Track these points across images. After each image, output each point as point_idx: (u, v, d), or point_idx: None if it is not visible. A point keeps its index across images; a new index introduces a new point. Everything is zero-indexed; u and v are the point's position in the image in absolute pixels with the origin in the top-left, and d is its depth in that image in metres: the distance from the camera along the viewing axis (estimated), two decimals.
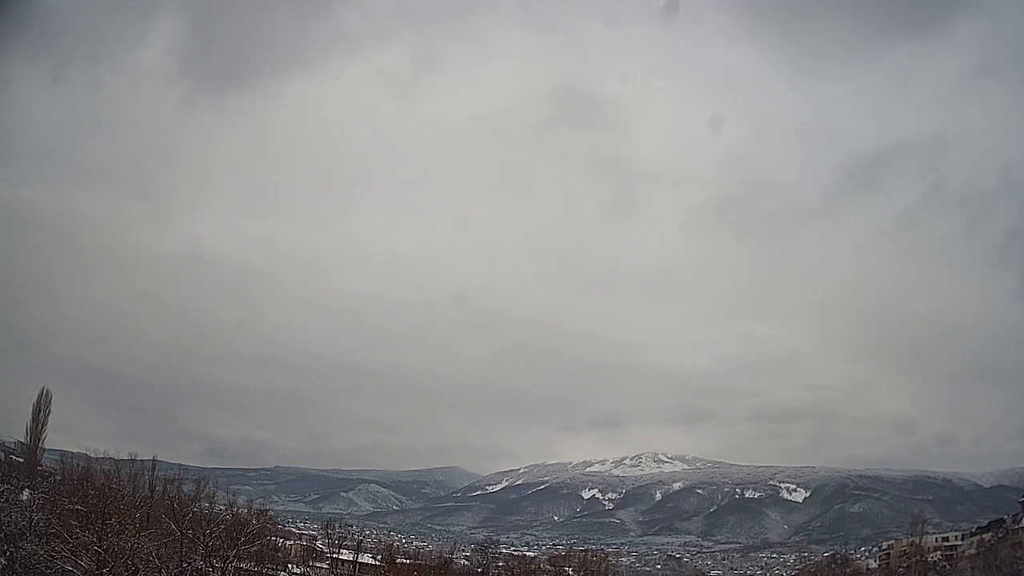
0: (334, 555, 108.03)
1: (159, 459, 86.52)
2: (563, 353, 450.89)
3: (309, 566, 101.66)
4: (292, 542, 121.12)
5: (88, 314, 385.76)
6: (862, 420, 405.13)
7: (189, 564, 55.96)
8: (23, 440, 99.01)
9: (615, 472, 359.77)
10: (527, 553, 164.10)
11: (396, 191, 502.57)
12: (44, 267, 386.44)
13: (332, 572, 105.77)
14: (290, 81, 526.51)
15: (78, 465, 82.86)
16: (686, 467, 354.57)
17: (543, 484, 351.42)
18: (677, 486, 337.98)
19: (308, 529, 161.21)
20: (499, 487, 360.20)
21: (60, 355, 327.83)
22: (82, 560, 48.40)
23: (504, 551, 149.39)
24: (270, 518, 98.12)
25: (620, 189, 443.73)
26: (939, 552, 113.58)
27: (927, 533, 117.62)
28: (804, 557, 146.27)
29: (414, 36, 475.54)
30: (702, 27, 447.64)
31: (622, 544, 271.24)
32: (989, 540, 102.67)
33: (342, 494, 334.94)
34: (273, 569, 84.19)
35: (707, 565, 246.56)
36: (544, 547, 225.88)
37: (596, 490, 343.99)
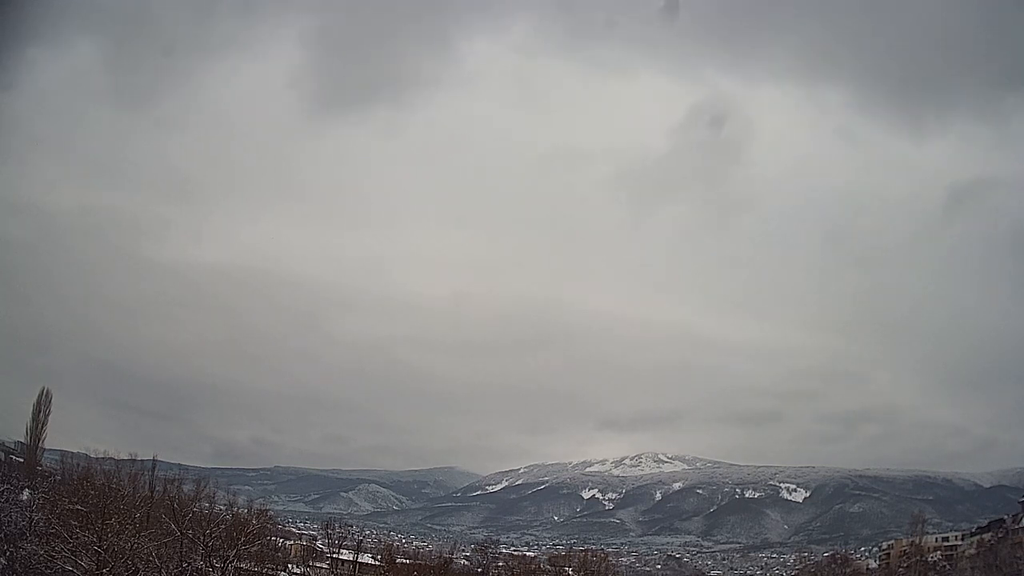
0: (334, 555, 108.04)
1: (159, 459, 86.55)
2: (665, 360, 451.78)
3: (309, 566, 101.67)
4: (292, 542, 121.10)
5: (111, 316, 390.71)
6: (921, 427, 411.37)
7: (189, 564, 55.92)
8: (23, 440, 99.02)
9: (615, 472, 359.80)
10: (527, 553, 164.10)
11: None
12: (80, 270, 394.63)
13: (332, 572, 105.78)
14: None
15: (78, 465, 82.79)
16: (686, 467, 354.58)
17: (543, 484, 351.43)
18: (677, 486, 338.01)
19: (308, 529, 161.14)
20: (499, 487, 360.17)
21: (76, 356, 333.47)
22: (82, 560, 48.38)
23: (504, 551, 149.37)
24: (270, 518, 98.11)
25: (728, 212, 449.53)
26: (939, 552, 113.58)
27: (927, 533, 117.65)
28: (804, 557, 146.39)
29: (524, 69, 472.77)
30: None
31: (622, 544, 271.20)
32: (989, 540, 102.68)
33: (342, 494, 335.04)
34: (273, 569, 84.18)
35: (707, 565, 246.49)
36: (544, 547, 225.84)
37: (596, 490, 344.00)
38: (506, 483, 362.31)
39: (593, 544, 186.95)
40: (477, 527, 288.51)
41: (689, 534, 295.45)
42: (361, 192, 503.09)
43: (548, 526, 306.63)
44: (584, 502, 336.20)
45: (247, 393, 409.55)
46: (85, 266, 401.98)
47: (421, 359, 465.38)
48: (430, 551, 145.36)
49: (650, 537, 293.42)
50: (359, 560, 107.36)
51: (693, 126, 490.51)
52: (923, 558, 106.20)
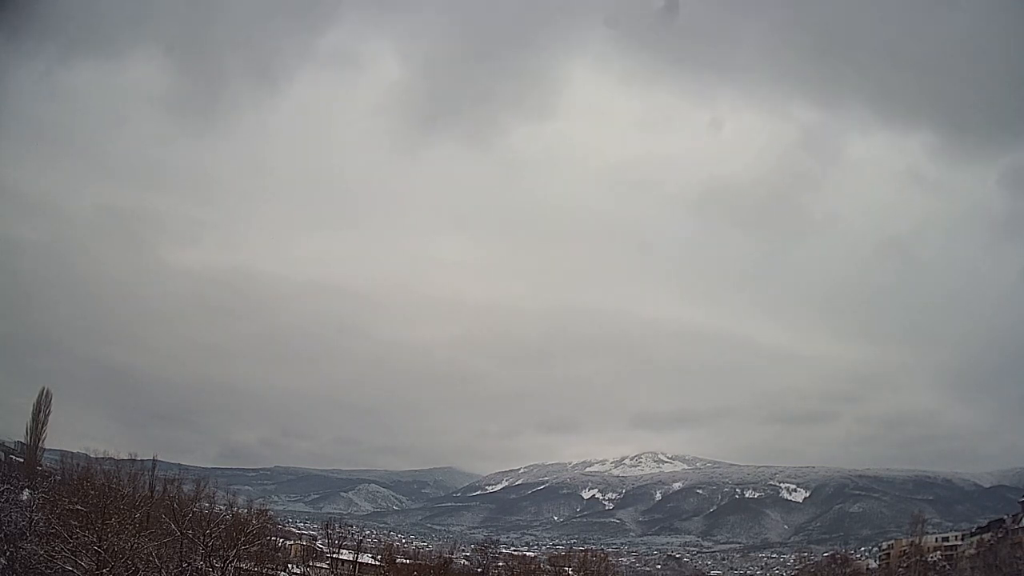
0: (334, 555, 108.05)
1: (159, 459, 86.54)
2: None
3: (309, 566, 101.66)
4: (292, 542, 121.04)
5: (129, 317, 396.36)
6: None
7: (189, 564, 55.91)
8: (23, 440, 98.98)
9: (615, 472, 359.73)
10: (527, 553, 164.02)
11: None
12: (101, 271, 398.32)
13: (332, 572, 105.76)
14: None
15: (78, 465, 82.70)
16: (686, 467, 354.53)
17: (543, 484, 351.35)
18: (677, 486, 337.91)
19: (308, 529, 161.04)
20: (499, 487, 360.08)
21: (85, 357, 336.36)
22: (82, 560, 48.39)
23: (504, 551, 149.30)
24: (270, 518, 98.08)
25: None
26: (939, 552, 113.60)
27: (927, 533, 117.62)
28: (804, 557, 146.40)
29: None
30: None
31: (622, 544, 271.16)
32: (989, 540, 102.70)
33: (342, 494, 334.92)
34: (273, 569, 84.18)
35: (707, 565, 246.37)
36: (544, 547, 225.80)
37: (596, 490, 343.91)
38: (506, 483, 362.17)
39: (593, 544, 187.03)
40: (477, 527, 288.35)
41: (689, 534, 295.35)
42: (408, 202, 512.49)
43: (548, 526, 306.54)
44: (584, 502, 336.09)
45: (256, 395, 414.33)
46: (108, 268, 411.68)
47: (459, 363, 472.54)
48: (430, 551, 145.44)
49: (650, 537, 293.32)
50: (359, 560, 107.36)
51: (778, 155, 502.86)
52: (923, 558, 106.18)
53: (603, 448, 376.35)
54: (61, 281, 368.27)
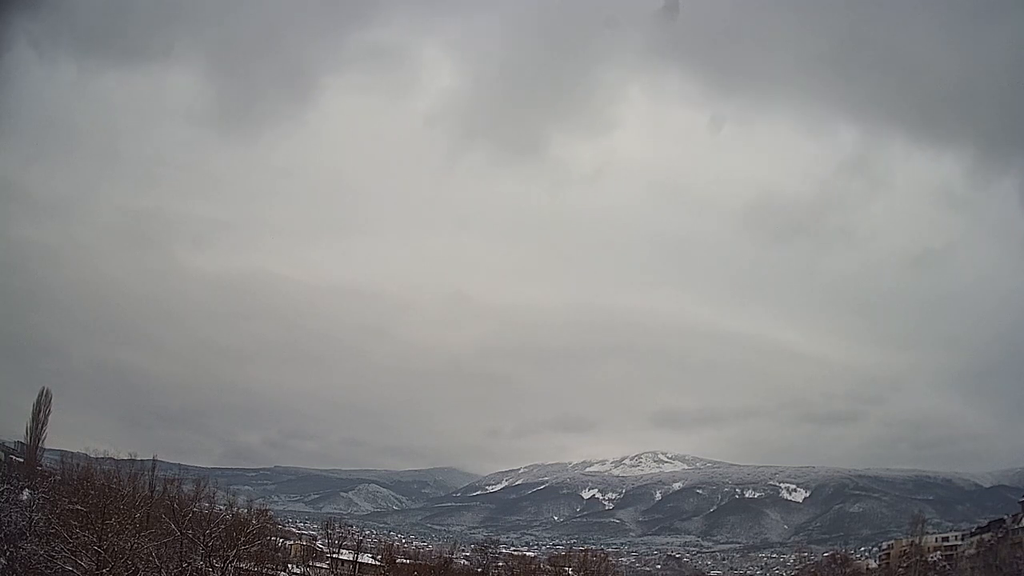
0: (334, 555, 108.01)
1: (158, 459, 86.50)
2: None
3: (309, 566, 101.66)
4: (292, 542, 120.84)
5: (143, 318, 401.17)
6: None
7: (189, 564, 55.85)
8: (23, 440, 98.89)
9: (615, 472, 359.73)
10: (527, 553, 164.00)
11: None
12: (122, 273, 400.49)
13: (332, 572, 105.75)
14: None
15: (78, 465, 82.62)
16: (686, 467, 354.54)
17: (543, 484, 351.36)
18: (677, 486, 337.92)
19: (308, 529, 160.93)
20: (499, 487, 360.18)
21: (91, 359, 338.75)
22: (82, 560, 48.34)
23: (504, 551, 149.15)
24: (270, 518, 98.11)
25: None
26: (939, 552, 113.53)
27: (927, 533, 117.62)
28: (804, 557, 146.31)
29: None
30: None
31: (622, 544, 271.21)
32: (989, 540, 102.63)
33: (342, 494, 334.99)
34: (273, 569, 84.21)
35: (707, 565, 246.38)
36: (544, 547, 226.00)
37: (596, 490, 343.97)
38: (506, 483, 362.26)
39: (593, 544, 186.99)
40: (477, 527, 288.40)
41: (689, 534, 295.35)
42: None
43: (548, 526, 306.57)
44: (584, 502, 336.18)
45: (266, 396, 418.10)
46: (124, 270, 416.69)
47: (481, 364, 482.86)
48: (430, 551, 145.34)
49: (650, 537, 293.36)
50: (359, 560, 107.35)
51: (819, 173, 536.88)
52: (923, 558, 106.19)
53: (621, 447, 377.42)
54: (73, 282, 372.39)
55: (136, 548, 49.70)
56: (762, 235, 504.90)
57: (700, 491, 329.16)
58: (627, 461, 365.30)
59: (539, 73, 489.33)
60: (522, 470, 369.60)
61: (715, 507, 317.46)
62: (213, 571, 58.10)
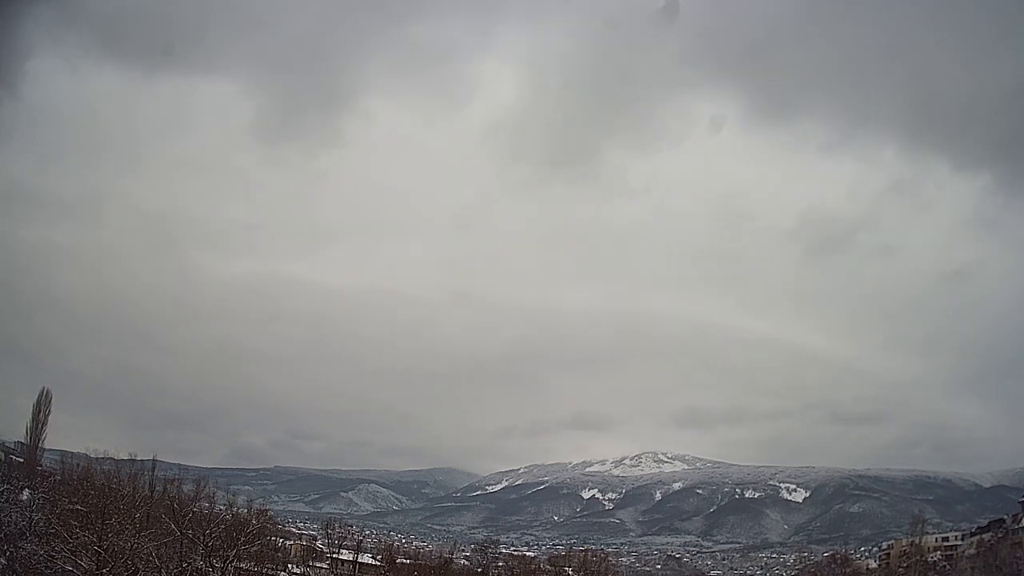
0: (334, 555, 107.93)
1: (159, 459, 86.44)
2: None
3: (309, 566, 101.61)
4: (292, 542, 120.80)
5: (156, 321, 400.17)
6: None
7: (189, 564, 55.83)
8: (23, 440, 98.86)
9: (615, 472, 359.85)
10: (527, 553, 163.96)
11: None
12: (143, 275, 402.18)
13: (332, 572, 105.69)
14: None
15: (78, 465, 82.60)
16: (686, 467, 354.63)
17: (543, 484, 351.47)
18: (677, 486, 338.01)
19: (308, 529, 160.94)
20: (499, 487, 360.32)
21: (96, 359, 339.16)
22: (82, 560, 48.31)
23: (504, 551, 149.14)
24: (270, 518, 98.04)
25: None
26: (939, 552, 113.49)
27: (927, 533, 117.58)
28: (804, 557, 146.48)
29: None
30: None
31: (622, 544, 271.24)
32: (989, 540, 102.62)
33: (342, 494, 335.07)
34: (273, 569, 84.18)
35: (707, 565, 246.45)
36: (544, 547, 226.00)
37: (596, 490, 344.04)
38: (506, 483, 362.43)
39: (593, 544, 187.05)
40: (477, 527, 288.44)
41: (689, 534, 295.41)
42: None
43: (548, 526, 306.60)
44: (584, 502, 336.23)
45: (275, 397, 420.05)
46: (143, 272, 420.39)
47: (511, 365, 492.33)
48: (430, 551, 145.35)
49: (650, 537, 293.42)
50: (359, 560, 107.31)
51: (860, 192, 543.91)
52: (923, 558, 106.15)
53: (602, 448, 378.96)
54: (84, 284, 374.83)
55: (136, 548, 49.68)
56: (804, 249, 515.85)
57: (700, 491, 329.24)
58: (627, 461, 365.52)
59: (599, 90, 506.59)
60: (522, 470, 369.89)
61: (715, 507, 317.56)
62: (213, 571, 58.08)
